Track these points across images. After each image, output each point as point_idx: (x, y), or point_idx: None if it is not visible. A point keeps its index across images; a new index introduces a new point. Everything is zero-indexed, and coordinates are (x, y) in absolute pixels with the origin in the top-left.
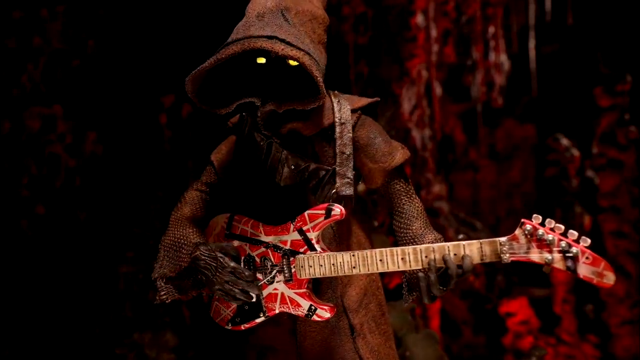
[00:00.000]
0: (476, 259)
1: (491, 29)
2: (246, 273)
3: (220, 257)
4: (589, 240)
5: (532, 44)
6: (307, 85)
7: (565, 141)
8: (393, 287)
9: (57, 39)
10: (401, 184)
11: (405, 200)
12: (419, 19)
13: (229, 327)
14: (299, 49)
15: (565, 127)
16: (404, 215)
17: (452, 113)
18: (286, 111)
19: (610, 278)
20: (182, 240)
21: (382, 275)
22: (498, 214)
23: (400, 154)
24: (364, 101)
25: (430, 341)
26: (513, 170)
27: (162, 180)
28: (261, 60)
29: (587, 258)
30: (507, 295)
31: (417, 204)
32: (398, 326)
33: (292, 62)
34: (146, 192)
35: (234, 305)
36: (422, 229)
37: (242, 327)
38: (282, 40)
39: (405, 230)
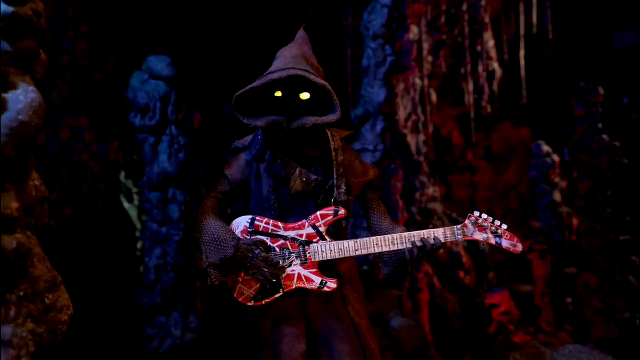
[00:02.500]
0: (442, 239)
1: (480, 41)
2: (275, 260)
3: (254, 248)
4: (505, 225)
5: (522, 52)
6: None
7: (545, 147)
8: (383, 276)
9: (82, 56)
10: (372, 193)
11: (375, 205)
12: (413, 32)
13: (252, 303)
14: (323, 81)
15: (554, 131)
16: (375, 216)
17: (449, 117)
18: (298, 136)
19: (519, 247)
20: (222, 237)
21: (374, 267)
22: (495, 213)
23: (372, 172)
24: (344, 133)
25: (414, 324)
26: (509, 172)
27: (181, 184)
28: (278, 93)
29: (507, 236)
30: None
31: (383, 207)
32: (386, 310)
33: (303, 97)
34: (166, 195)
35: (255, 285)
36: (391, 224)
37: (264, 302)
38: (312, 74)
39: (378, 226)
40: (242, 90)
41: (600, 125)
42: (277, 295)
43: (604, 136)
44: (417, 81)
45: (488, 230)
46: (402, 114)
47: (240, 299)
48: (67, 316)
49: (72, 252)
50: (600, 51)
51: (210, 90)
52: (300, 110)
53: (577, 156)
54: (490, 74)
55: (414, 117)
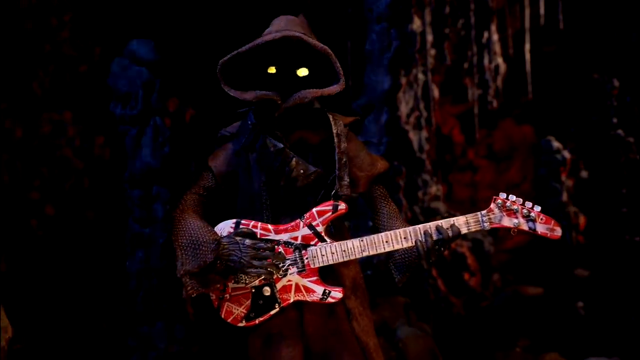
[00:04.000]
0: (463, 229)
1: (486, 34)
2: (264, 245)
3: (240, 240)
4: (539, 207)
5: (527, 47)
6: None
7: (556, 144)
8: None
9: (66, 46)
10: (381, 190)
11: (385, 203)
12: (416, 23)
13: (243, 324)
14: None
15: (559, 129)
16: (384, 216)
17: (450, 114)
18: (296, 118)
19: (558, 231)
20: (200, 239)
21: (379, 272)
22: None
23: (380, 164)
24: (350, 119)
25: (422, 334)
26: (511, 170)
27: (166, 181)
28: (272, 69)
29: (541, 219)
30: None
31: (394, 206)
32: (392, 319)
33: (300, 73)
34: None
35: (246, 303)
36: (403, 225)
37: (257, 321)
38: (310, 38)
39: (389, 228)
40: (228, 56)
41: (615, 120)
42: (272, 313)
43: (620, 131)
44: (420, 75)
45: (519, 215)
46: (404, 109)
47: (229, 320)
48: (4, 341)
49: (55, 254)
50: (611, 46)
51: (205, 86)
52: (298, 88)
53: (590, 152)
54: (495, 70)
55: (416, 113)
